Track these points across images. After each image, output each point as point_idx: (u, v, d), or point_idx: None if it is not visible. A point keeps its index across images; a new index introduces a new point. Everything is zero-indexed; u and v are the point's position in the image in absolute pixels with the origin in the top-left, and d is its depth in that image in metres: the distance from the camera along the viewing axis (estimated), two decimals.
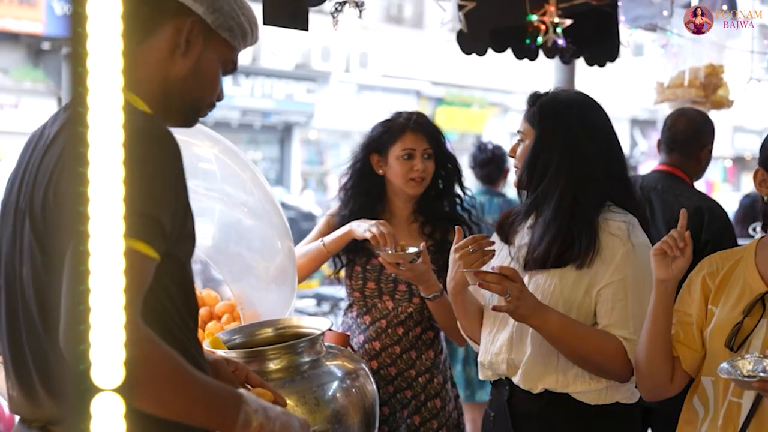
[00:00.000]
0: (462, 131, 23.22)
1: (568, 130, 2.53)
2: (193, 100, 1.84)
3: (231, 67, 1.89)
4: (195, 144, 2.92)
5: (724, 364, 2.12)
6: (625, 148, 25.31)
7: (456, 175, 3.27)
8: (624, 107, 23.61)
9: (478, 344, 2.72)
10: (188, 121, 1.90)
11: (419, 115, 3.24)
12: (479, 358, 2.68)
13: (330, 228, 3.26)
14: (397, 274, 3.00)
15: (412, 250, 2.97)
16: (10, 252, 1.77)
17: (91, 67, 0.79)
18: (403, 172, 3.14)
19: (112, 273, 0.75)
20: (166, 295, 1.67)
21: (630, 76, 19.14)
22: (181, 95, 1.81)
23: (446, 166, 3.23)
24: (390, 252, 2.97)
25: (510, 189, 5.22)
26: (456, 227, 2.63)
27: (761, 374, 2.06)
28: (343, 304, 3.33)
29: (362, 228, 3.09)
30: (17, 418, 1.83)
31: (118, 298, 0.74)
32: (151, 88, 1.75)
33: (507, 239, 2.68)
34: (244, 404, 1.66)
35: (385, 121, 3.24)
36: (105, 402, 0.74)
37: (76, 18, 0.78)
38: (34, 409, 1.74)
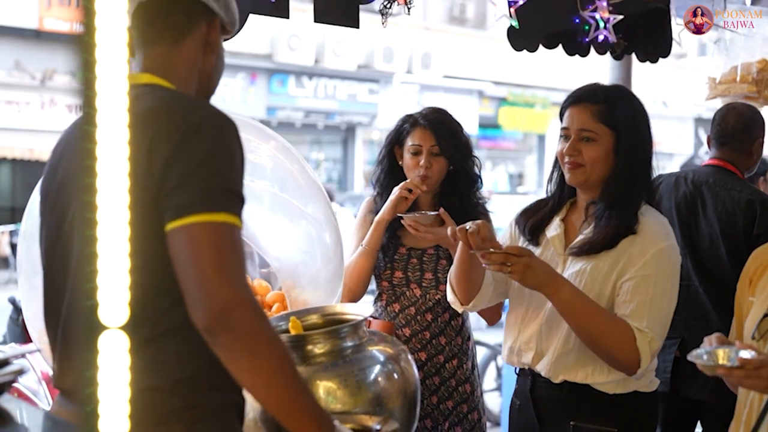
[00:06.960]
0: (525, 131, 23.17)
1: (645, 132, 2.60)
2: (214, 88, 2.04)
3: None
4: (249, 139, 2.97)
5: (699, 350, 2.10)
6: (690, 147, 25.04)
7: (469, 173, 3.28)
8: (689, 106, 23.33)
9: (462, 304, 2.75)
10: None
11: (434, 111, 3.28)
12: (508, 344, 2.72)
13: (368, 224, 3.31)
14: (422, 237, 3.14)
15: (431, 214, 3.10)
16: (52, 244, 1.89)
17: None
18: (411, 168, 3.24)
19: (117, 221, 0.84)
20: None
21: (694, 75, 18.95)
22: (208, 86, 2.01)
23: (460, 164, 3.24)
24: (412, 215, 3.12)
25: None
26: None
27: (727, 363, 2.01)
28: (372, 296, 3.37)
29: (384, 210, 3.20)
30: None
31: (122, 243, 0.83)
32: (189, 81, 1.92)
33: (537, 241, 2.70)
34: (338, 427, 1.79)
35: (408, 115, 3.31)
36: (111, 339, 0.83)
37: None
38: (68, 380, 1.85)
